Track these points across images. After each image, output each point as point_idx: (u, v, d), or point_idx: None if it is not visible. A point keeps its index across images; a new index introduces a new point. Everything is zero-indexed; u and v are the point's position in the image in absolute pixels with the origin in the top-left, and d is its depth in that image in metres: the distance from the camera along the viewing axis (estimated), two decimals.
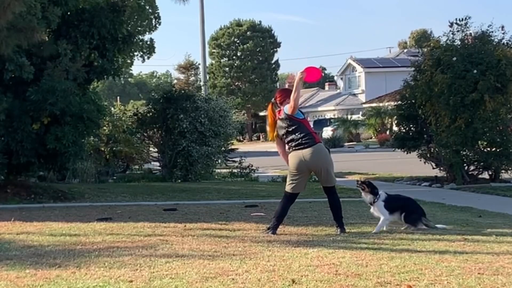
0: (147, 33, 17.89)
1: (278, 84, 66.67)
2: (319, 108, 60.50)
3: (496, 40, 15.00)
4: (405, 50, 63.66)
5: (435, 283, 4.96)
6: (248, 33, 60.75)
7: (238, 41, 60.82)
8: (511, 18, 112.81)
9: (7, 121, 11.11)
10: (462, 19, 15.13)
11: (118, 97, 39.15)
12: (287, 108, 7.16)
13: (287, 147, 7.39)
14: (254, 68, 60.00)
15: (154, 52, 18.31)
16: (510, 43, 14.97)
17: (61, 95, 11.05)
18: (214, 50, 60.75)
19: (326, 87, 70.10)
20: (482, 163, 15.21)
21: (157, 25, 18.05)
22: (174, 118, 16.85)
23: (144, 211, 9.99)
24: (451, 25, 15.15)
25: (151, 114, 17.64)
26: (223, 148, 19.54)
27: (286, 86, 7.33)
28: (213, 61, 60.83)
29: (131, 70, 48.17)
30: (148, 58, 18.15)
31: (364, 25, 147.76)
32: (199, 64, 36.36)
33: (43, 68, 11.27)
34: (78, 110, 11.49)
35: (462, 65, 14.28)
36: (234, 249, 6.40)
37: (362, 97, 54.62)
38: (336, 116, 52.57)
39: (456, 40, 15.18)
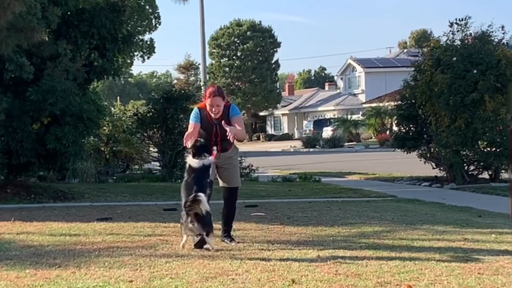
0: (147, 33, 17.96)
1: (278, 84, 66.76)
2: (319, 108, 60.55)
3: (496, 40, 14.99)
4: (405, 50, 63.73)
5: (435, 283, 4.96)
6: (248, 33, 60.75)
7: (238, 41, 60.81)
8: (511, 18, 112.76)
9: (7, 121, 11.11)
10: (462, 19, 15.13)
11: (118, 97, 39.20)
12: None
13: None
14: (254, 68, 59.99)
15: (154, 52, 18.39)
16: (510, 43, 14.96)
17: (61, 95, 11.05)
18: (214, 50, 60.74)
19: (326, 87, 70.19)
20: (482, 163, 15.20)
21: (157, 25, 18.11)
22: (174, 118, 16.85)
23: (144, 211, 9.98)
24: (451, 25, 15.15)
25: (151, 114, 17.64)
26: None
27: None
28: (213, 61, 60.82)
29: (131, 70, 48.23)
30: (148, 58, 18.23)
31: (364, 25, 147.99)
32: (199, 64, 36.45)
33: (43, 68, 11.27)
34: (78, 110, 11.50)
35: (462, 65, 14.28)
36: (234, 249, 6.40)
37: (362, 97, 54.66)
38: (336, 116, 52.59)
39: (456, 40, 15.17)
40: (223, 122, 6.62)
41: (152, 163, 19.73)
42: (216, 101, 6.50)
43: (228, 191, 6.92)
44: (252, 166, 19.30)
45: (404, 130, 16.39)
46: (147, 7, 17.33)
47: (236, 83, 60.22)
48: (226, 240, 6.75)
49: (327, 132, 46.56)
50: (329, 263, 5.65)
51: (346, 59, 59.27)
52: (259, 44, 60.47)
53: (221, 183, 6.93)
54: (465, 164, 15.29)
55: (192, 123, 6.65)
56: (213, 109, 6.52)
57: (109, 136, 18.02)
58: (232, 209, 6.98)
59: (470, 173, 15.37)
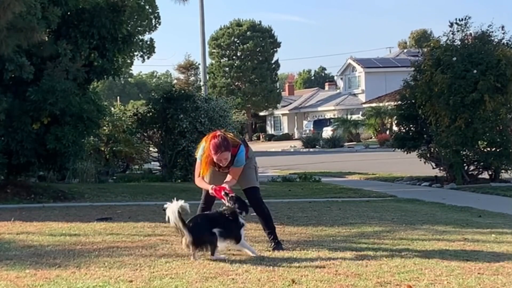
0: (147, 33, 17.93)
1: (278, 84, 66.74)
2: (319, 108, 60.55)
3: (496, 40, 14.99)
4: (405, 50, 63.73)
5: (435, 283, 4.96)
6: (248, 33, 60.73)
7: (238, 41, 60.80)
8: (511, 18, 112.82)
9: (7, 121, 11.12)
10: (462, 19, 15.13)
11: (118, 97, 39.19)
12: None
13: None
14: (254, 68, 59.97)
15: (154, 52, 18.35)
16: (510, 43, 14.97)
17: (61, 95, 11.05)
18: (214, 50, 60.72)
19: (326, 87, 70.17)
20: (482, 163, 15.20)
21: (157, 25, 18.08)
22: (174, 118, 16.85)
23: (144, 211, 9.98)
24: (451, 25, 15.15)
25: (151, 114, 17.64)
26: None
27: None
28: (213, 61, 60.80)
29: (131, 70, 48.22)
30: (148, 58, 18.19)
31: (364, 25, 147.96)
32: (199, 64, 36.36)
33: (43, 68, 11.27)
34: (78, 110, 11.50)
35: (462, 65, 14.28)
36: (234, 249, 6.40)
37: (362, 97, 54.66)
38: (336, 116, 52.58)
39: (456, 40, 15.17)
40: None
41: (152, 163, 19.74)
42: (223, 156, 6.15)
43: (245, 193, 6.60)
44: None
45: (404, 130, 16.39)
46: (147, 7, 17.30)
47: (236, 83, 60.22)
48: (273, 246, 6.38)
49: (327, 132, 46.54)
50: (329, 263, 5.65)
51: (346, 59, 59.32)
52: (259, 44, 60.45)
53: (241, 187, 6.63)
54: (465, 164, 15.29)
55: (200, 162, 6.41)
56: (222, 163, 6.23)
57: (109, 136, 18.03)
58: (260, 211, 6.57)
59: (470, 173, 15.37)
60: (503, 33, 15.08)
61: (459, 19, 15.15)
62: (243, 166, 6.50)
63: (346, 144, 42.22)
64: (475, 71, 14.11)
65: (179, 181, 16.79)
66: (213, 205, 6.63)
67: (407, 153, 16.45)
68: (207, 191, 6.47)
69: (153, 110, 17.59)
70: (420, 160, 16.10)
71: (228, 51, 61.16)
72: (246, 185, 6.59)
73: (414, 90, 15.44)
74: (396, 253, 6.13)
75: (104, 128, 17.23)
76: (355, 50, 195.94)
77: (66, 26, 11.98)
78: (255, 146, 46.46)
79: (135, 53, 17.46)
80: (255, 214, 6.86)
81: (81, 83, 12.00)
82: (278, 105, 63.67)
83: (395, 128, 23.28)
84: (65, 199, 11.79)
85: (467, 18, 15.15)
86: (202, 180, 6.44)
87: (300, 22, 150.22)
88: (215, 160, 6.24)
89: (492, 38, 14.97)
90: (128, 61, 17.65)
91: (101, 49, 12.29)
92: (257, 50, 60.67)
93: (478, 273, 5.29)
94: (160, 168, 18.49)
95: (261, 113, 65.35)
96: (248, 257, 5.96)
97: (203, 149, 6.32)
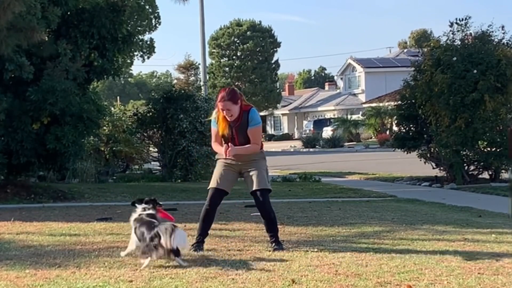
0: (147, 33, 17.92)
1: (278, 84, 66.75)
2: (319, 108, 60.56)
3: (496, 40, 15.00)
4: (405, 50, 63.76)
5: (435, 283, 4.96)
6: (248, 33, 60.75)
7: (238, 41, 60.82)
8: (511, 18, 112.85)
9: (7, 121, 11.11)
10: (462, 19, 15.14)
11: (118, 97, 39.15)
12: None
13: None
14: (254, 68, 59.98)
15: (154, 52, 18.34)
16: (510, 43, 14.97)
17: (61, 95, 11.05)
18: (214, 50, 60.74)
19: (326, 87, 70.22)
20: (482, 163, 15.21)
21: (157, 25, 18.08)
22: (174, 118, 16.86)
23: None
24: (451, 25, 15.16)
25: (151, 114, 17.65)
26: None
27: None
28: (213, 61, 60.81)
29: (131, 70, 48.16)
30: (148, 58, 18.18)
31: (364, 25, 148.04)
32: (199, 64, 36.28)
33: (43, 68, 11.27)
34: (78, 110, 11.50)
35: (462, 65, 14.29)
36: (234, 249, 6.40)
37: (362, 97, 54.67)
38: (336, 116, 52.60)
39: (456, 40, 15.18)
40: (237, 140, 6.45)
41: (152, 163, 19.73)
42: (226, 106, 6.25)
43: (255, 194, 6.48)
44: None
45: (404, 130, 16.40)
46: (147, 7, 17.30)
47: (236, 83, 60.17)
48: (274, 246, 6.36)
49: (327, 132, 46.56)
50: (329, 263, 5.65)
51: (346, 59, 59.36)
52: (259, 44, 60.47)
53: (249, 189, 6.55)
54: (465, 164, 15.30)
55: (213, 128, 6.54)
56: (224, 113, 6.32)
57: (109, 136, 18.03)
58: (267, 215, 6.46)
59: (470, 173, 15.38)
60: (503, 33, 15.12)
61: (459, 19, 15.17)
62: (255, 167, 6.55)
63: (346, 144, 42.22)
64: (475, 71, 14.12)
65: (179, 181, 16.79)
66: (218, 206, 6.62)
67: (407, 153, 16.46)
68: (213, 192, 6.45)
69: (153, 110, 17.60)
70: (420, 160, 16.11)
71: (228, 51, 61.18)
72: (258, 186, 6.51)
73: (414, 90, 15.44)
74: (396, 253, 6.12)
75: (104, 128, 17.24)
76: (355, 50, 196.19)
77: (66, 26, 11.97)
78: None
79: (135, 53, 17.46)
80: (255, 214, 6.86)
81: (81, 83, 12.00)
82: (278, 105, 63.69)
83: (395, 128, 23.28)
84: (65, 199, 11.78)
85: (467, 18, 15.17)
86: (217, 145, 6.53)
87: (300, 22, 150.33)
88: (220, 108, 6.34)
89: (492, 38, 14.98)
90: (128, 61, 17.64)
91: (101, 49, 12.28)
92: (257, 50, 60.69)
93: (478, 273, 5.29)
94: (160, 168, 18.50)
95: (261, 113, 65.28)
96: (248, 257, 5.95)
97: (216, 112, 6.47)
